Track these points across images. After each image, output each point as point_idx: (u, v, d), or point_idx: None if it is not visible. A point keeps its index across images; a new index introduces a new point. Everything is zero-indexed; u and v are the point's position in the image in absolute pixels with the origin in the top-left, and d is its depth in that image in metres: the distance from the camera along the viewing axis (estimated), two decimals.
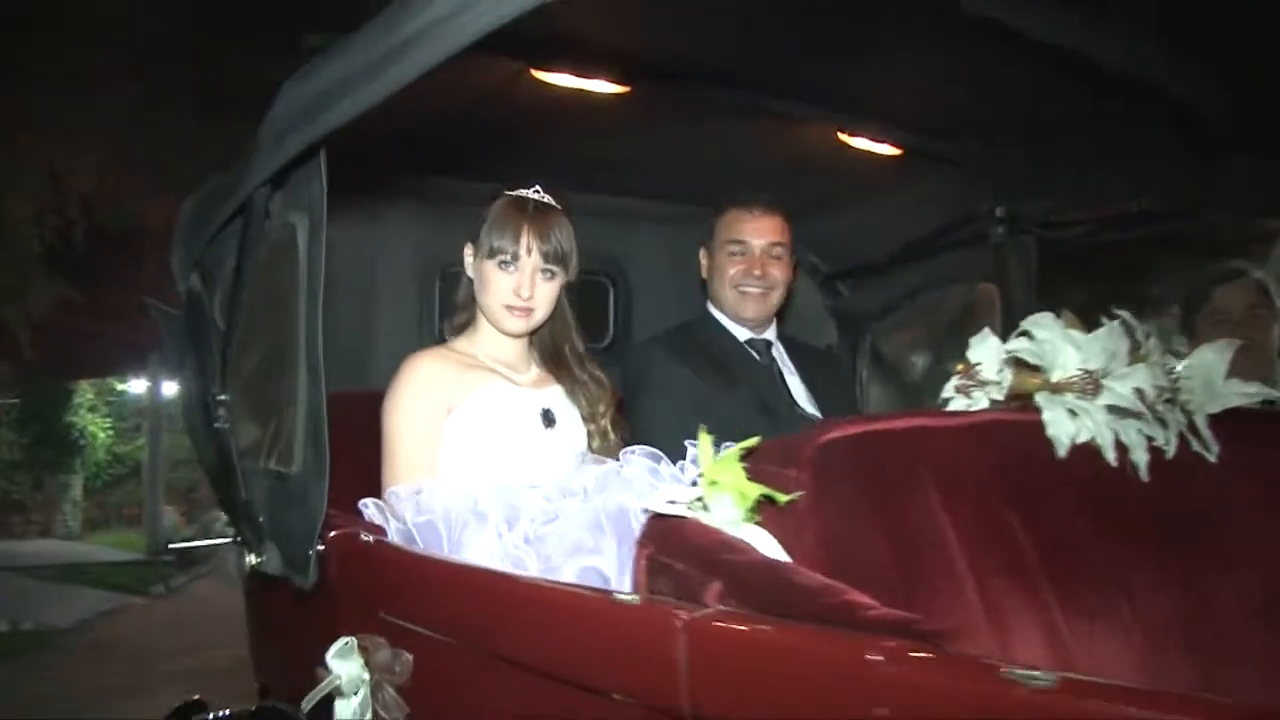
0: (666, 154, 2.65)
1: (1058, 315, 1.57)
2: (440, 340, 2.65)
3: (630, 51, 1.96)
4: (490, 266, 1.92)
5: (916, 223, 2.90)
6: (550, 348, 2.08)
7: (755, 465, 1.06)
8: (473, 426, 1.89)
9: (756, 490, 1.03)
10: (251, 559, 1.72)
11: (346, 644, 1.42)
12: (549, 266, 1.92)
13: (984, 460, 1.27)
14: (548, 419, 1.97)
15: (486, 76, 1.99)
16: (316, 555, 1.53)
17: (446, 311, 2.73)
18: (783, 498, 1.02)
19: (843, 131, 2.38)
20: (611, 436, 2.06)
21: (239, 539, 2.03)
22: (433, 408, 1.89)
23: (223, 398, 1.86)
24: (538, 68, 1.96)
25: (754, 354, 2.47)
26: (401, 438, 1.87)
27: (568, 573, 1.51)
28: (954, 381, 1.63)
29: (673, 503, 1.09)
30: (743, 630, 0.85)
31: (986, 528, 1.20)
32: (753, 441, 1.09)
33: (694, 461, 1.76)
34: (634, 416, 2.26)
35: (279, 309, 1.70)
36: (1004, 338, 2.71)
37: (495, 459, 1.89)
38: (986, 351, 1.61)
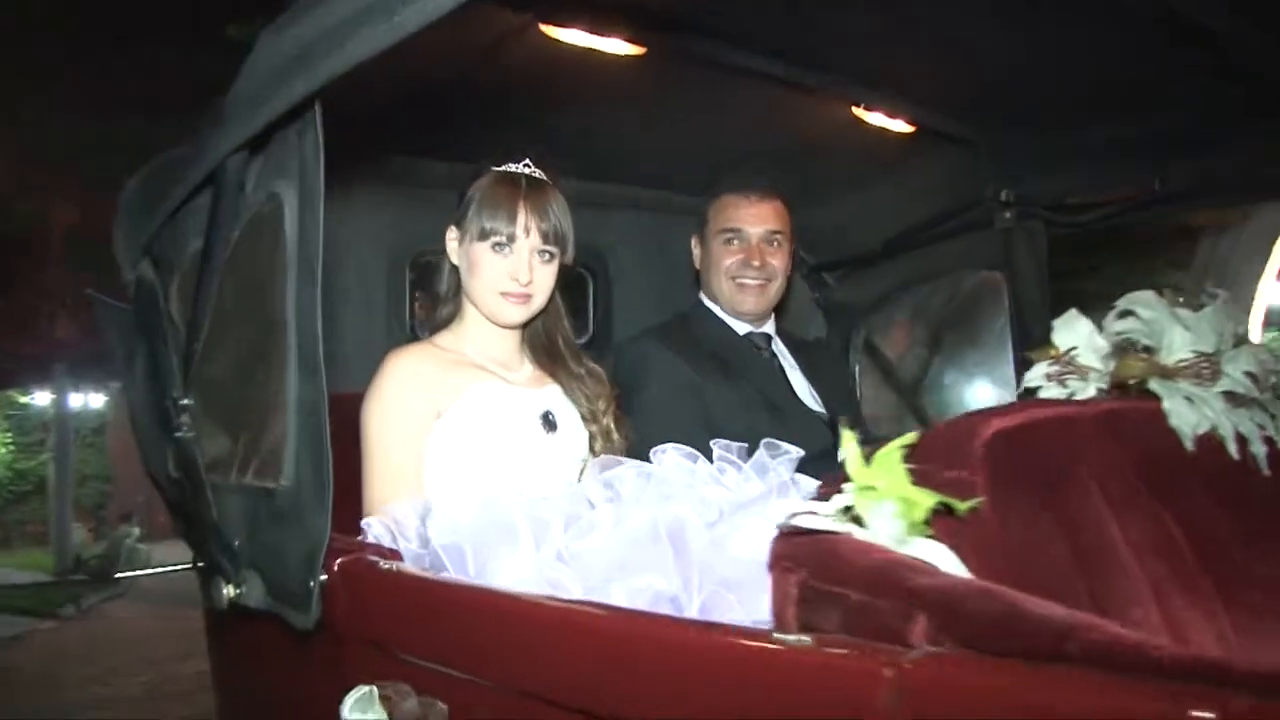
0: (656, 135, 2.45)
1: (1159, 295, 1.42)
2: (413, 336, 2.43)
3: (649, 8, 1.75)
4: (482, 250, 1.70)
5: (910, 211, 2.75)
6: (543, 341, 1.87)
7: (913, 466, 0.86)
8: (465, 432, 1.67)
9: (929, 497, 0.83)
10: (229, 591, 1.45)
11: (366, 693, 1.18)
12: (548, 247, 1.72)
13: (1125, 454, 1.10)
14: (548, 422, 1.76)
15: (486, 31, 1.76)
16: (320, 587, 1.28)
17: (420, 304, 2.50)
18: (962, 505, 0.83)
19: (858, 105, 2.20)
20: (615, 437, 1.86)
21: (200, 565, 1.77)
22: (420, 411, 1.66)
23: (186, 402, 1.59)
24: (548, 22, 1.74)
25: (755, 348, 2.29)
26: (387, 445, 1.64)
27: (616, 595, 1.29)
28: (1043, 368, 1.46)
29: (812, 514, 0.88)
30: (987, 680, 0.64)
31: (1148, 529, 1.02)
32: (910, 438, 0.89)
33: (726, 461, 1.57)
34: (631, 415, 2.06)
35: (260, 296, 1.44)
36: (1013, 330, 2.63)
37: (492, 468, 1.67)
38: (1078, 335, 1.45)
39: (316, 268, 1.30)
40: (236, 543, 1.50)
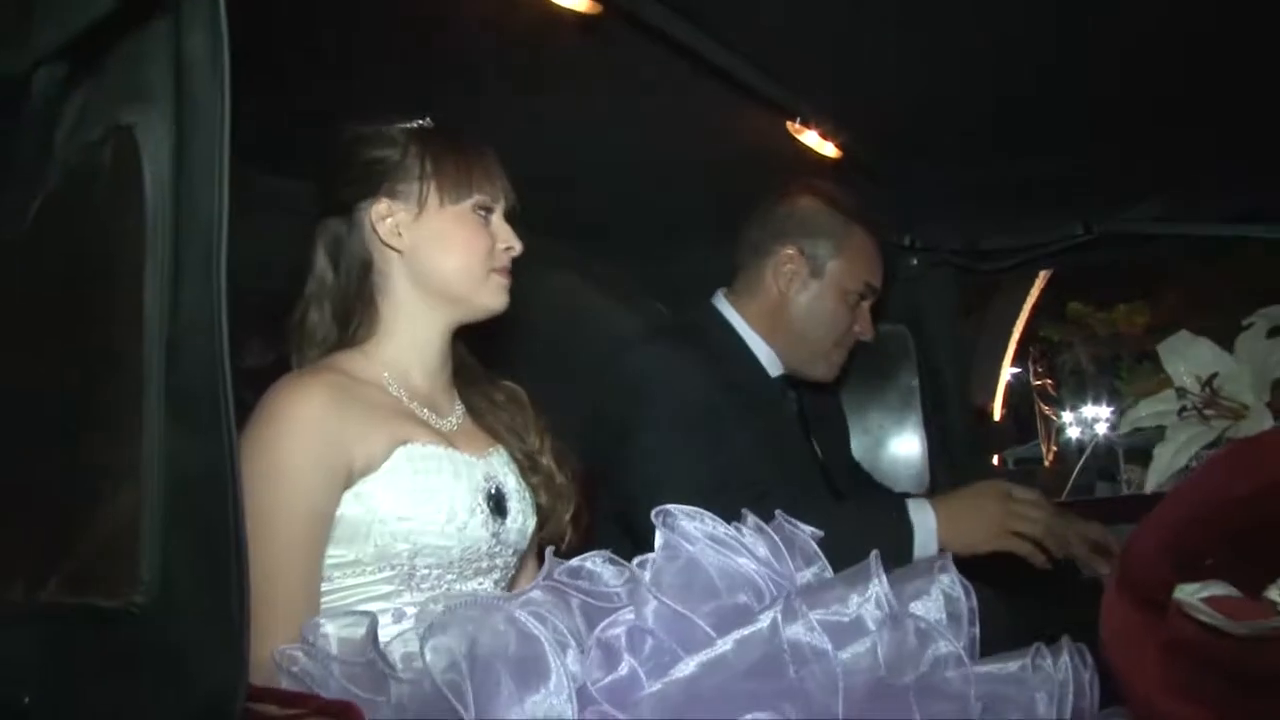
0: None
1: None
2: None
3: None
4: (461, 217, 1.27)
5: None
6: (456, 361, 1.38)
7: None
8: (380, 509, 1.16)
9: None
10: None
11: None
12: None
13: None
14: (497, 506, 1.26)
15: None
16: None
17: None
18: None
19: (793, 120, 1.87)
20: (559, 480, 1.38)
21: None
22: (329, 471, 1.13)
23: None
24: None
25: (783, 397, 1.80)
26: (276, 517, 1.08)
27: None
28: (1163, 403, 1.17)
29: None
30: None
31: None
32: None
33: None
34: (633, 445, 1.56)
35: (90, 296, 0.90)
36: (923, 391, 2.38)
37: (415, 564, 1.17)
38: (1204, 360, 1.16)
39: (217, 246, 0.79)
40: (27, 700, 0.91)
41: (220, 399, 0.77)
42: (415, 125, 1.30)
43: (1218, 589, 0.58)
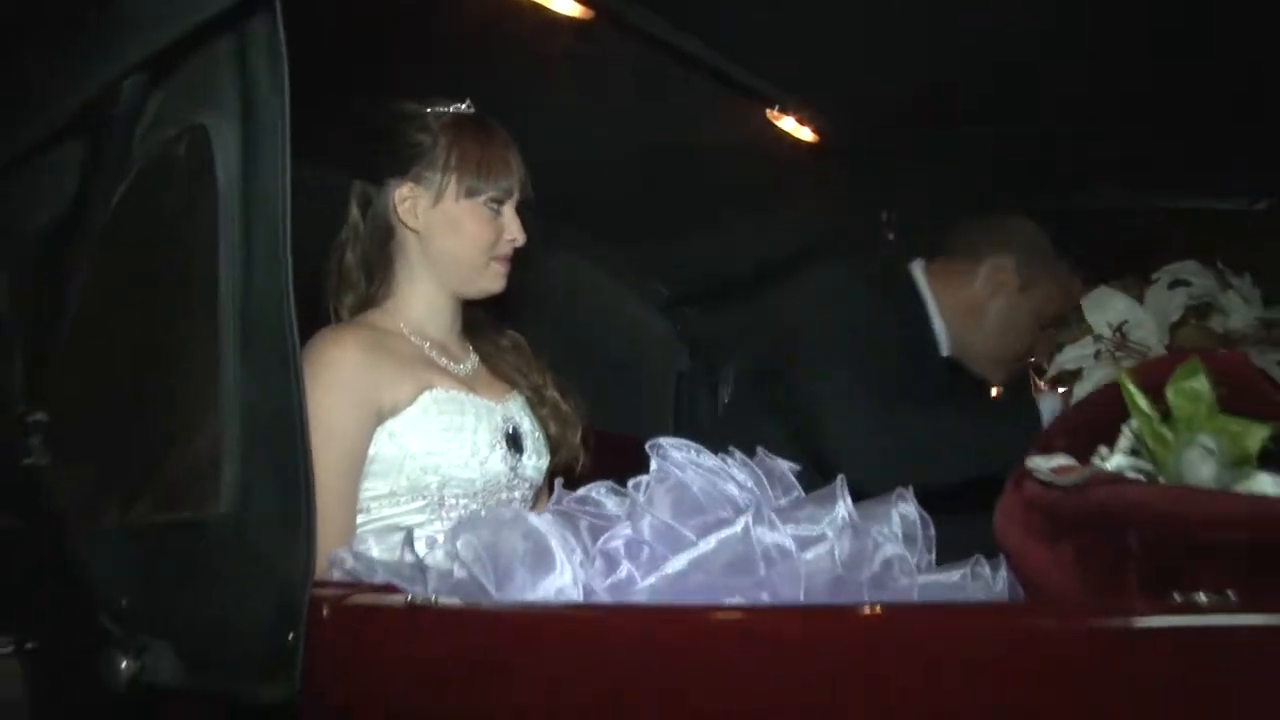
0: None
1: None
2: None
3: None
4: (471, 209, 1.42)
5: (788, 237, 2.63)
6: (466, 316, 1.55)
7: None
8: (411, 446, 1.33)
9: (1260, 426, 0.66)
10: (126, 664, 1.04)
11: None
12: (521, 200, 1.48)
13: None
14: (514, 444, 1.44)
15: None
16: (300, 643, 0.92)
17: None
18: None
19: (772, 108, 2.05)
20: (564, 408, 1.56)
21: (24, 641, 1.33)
22: (361, 410, 1.30)
23: (37, 418, 1.18)
24: None
25: (943, 374, 1.91)
26: (319, 454, 1.25)
27: None
28: (1083, 348, 1.35)
29: (1102, 458, 0.69)
30: None
31: None
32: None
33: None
34: (806, 359, 1.65)
35: (170, 270, 1.09)
36: None
37: (439, 498, 1.35)
38: (1118, 310, 1.35)
39: (282, 227, 0.97)
40: (124, 603, 1.10)
41: (290, 353, 0.95)
42: (452, 110, 1.43)
43: (1061, 459, 0.76)
